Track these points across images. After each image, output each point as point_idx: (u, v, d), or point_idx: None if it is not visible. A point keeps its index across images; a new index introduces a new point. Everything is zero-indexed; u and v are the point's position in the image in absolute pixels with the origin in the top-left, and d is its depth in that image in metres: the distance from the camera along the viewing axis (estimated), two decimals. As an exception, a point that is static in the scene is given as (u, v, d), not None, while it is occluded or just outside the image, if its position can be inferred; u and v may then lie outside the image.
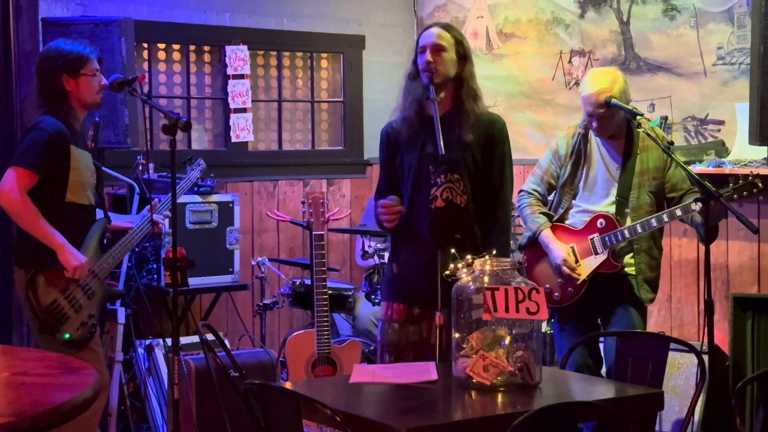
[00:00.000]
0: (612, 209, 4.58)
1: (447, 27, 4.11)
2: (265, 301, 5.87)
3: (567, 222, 4.69)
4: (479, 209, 4.07)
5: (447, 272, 3.53)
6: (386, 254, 5.57)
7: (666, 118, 5.91)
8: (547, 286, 4.62)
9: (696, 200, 4.12)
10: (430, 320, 4.01)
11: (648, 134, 4.41)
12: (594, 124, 4.54)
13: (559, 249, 4.58)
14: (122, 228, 4.65)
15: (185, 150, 6.46)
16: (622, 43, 6.25)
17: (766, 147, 5.12)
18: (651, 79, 6.06)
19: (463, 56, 4.08)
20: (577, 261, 4.56)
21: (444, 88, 4.02)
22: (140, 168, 5.69)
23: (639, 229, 4.45)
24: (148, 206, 4.67)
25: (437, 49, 4.01)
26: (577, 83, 6.50)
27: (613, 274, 4.56)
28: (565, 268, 4.55)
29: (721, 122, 5.77)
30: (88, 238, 4.42)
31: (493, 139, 4.10)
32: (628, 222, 4.51)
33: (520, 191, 4.81)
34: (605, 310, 4.63)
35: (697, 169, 5.34)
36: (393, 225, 4.00)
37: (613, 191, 4.60)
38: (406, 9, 7.49)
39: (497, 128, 4.14)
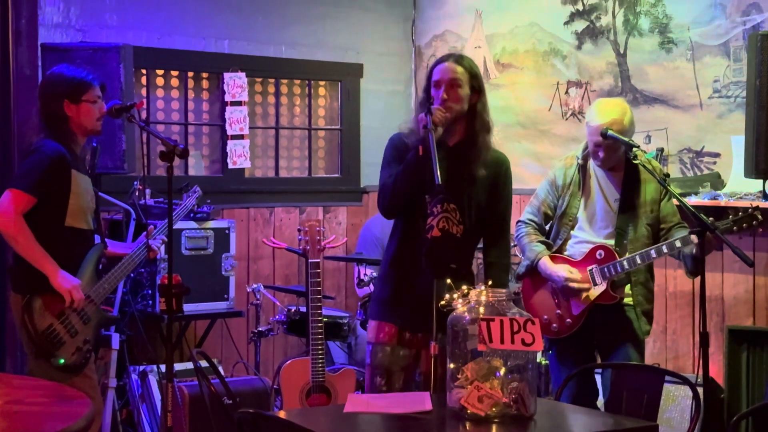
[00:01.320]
0: (611, 241, 4.58)
1: (460, 60, 4.06)
2: (260, 328, 5.86)
3: (565, 253, 4.68)
4: (475, 242, 4.08)
5: (442, 302, 3.53)
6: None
7: (662, 150, 5.93)
8: (546, 317, 4.61)
9: (692, 232, 4.13)
10: (420, 346, 4.00)
11: (644, 166, 4.43)
12: (601, 155, 4.53)
13: (560, 269, 4.57)
14: (119, 254, 4.64)
15: (182, 176, 6.47)
16: (619, 74, 6.28)
17: (761, 180, 5.13)
18: (647, 111, 6.08)
19: (477, 89, 4.07)
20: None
21: (458, 120, 4.02)
22: (137, 193, 5.70)
23: (638, 261, 4.45)
24: (145, 232, 4.67)
25: (452, 85, 3.99)
26: (573, 114, 6.53)
27: (611, 306, 4.55)
28: (572, 284, 4.52)
29: (717, 155, 5.79)
30: (85, 263, 4.41)
31: (499, 179, 4.12)
32: (627, 254, 4.51)
33: (518, 221, 4.81)
34: (603, 343, 4.61)
35: (692, 201, 5.35)
36: (442, 122, 3.90)
37: (612, 223, 4.60)
38: (403, 38, 7.53)
39: (505, 168, 4.16)
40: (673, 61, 6.00)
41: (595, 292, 4.52)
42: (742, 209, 4.30)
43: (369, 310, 4.35)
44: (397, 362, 4.07)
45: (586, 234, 4.65)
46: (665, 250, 4.42)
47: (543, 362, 5.44)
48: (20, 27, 5.73)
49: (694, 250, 4.29)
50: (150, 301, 5.64)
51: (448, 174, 3.84)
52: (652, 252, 4.43)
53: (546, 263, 4.62)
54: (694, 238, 4.23)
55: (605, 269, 4.50)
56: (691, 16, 5.90)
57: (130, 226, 5.62)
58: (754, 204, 4.41)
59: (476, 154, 4.02)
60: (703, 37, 5.85)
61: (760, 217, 4.25)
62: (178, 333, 5.84)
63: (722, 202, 5.31)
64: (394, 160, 4.06)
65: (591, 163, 4.67)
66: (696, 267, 4.13)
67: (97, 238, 4.55)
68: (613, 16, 6.29)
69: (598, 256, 4.55)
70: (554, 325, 4.61)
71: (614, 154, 4.53)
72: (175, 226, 4.91)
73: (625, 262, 4.46)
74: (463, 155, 3.99)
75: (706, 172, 5.80)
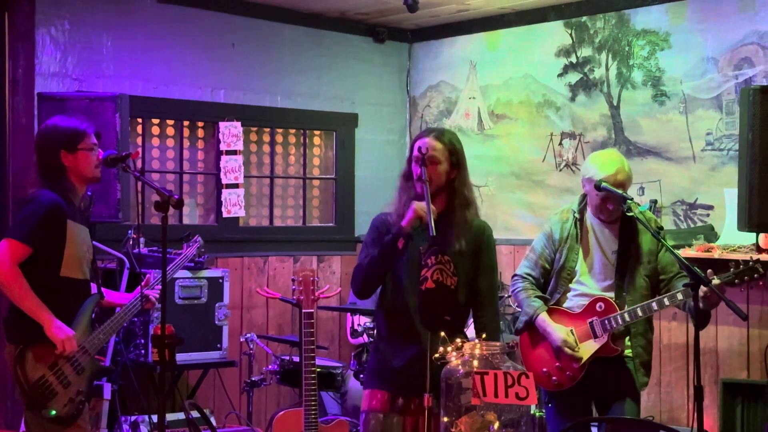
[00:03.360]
0: (610, 293, 4.57)
1: (440, 136, 4.09)
2: (253, 378, 5.84)
3: (564, 305, 4.66)
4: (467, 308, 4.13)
5: (436, 355, 3.52)
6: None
7: (655, 201, 5.96)
8: (545, 370, 4.59)
9: (685, 285, 4.13)
10: (415, 412, 3.99)
11: (638, 218, 4.44)
12: (610, 207, 4.51)
13: (558, 331, 4.55)
14: (115, 304, 4.63)
15: (177, 225, 6.48)
16: (612, 126, 6.33)
17: (754, 233, 5.14)
18: (640, 163, 6.12)
19: (456, 164, 4.10)
20: (576, 344, 4.54)
21: (438, 193, 4.05)
22: (131, 242, 5.70)
23: (639, 313, 4.43)
24: (143, 282, 4.66)
25: (431, 162, 4.04)
26: (567, 165, 6.56)
27: (611, 358, 4.53)
28: (566, 350, 4.51)
29: (710, 207, 5.82)
30: (80, 313, 4.41)
31: (482, 248, 4.14)
32: (626, 306, 4.50)
33: (514, 275, 4.80)
34: (602, 396, 4.59)
35: (686, 253, 5.37)
36: (408, 229, 3.93)
37: (611, 275, 4.59)
38: (398, 88, 7.59)
39: (486, 236, 4.18)
40: (666, 113, 6.05)
41: (594, 345, 4.50)
42: (743, 262, 4.30)
43: (363, 381, 4.35)
44: (390, 429, 4.04)
45: (585, 287, 4.64)
46: (667, 302, 4.40)
47: (537, 414, 5.41)
48: (17, 76, 5.77)
49: (701, 303, 4.26)
50: (143, 351, 5.62)
51: (430, 247, 3.89)
52: (654, 304, 4.41)
53: (545, 320, 4.60)
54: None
55: (606, 321, 4.49)
56: (683, 70, 5.96)
57: (123, 275, 5.61)
58: (755, 257, 4.41)
59: (456, 232, 4.04)
60: (695, 91, 5.91)
61: (761, 270, 4.25)
62: (170, 383, 5.81)
63: (716, 254, 5.32)
64: (374, 243, 4.09)
65: (587, 216, 4.68)
66: (701, 320, 4.11)
67: (94, 288, 4.54)
68: (607, 69, 6.36)
69: (598, 309, 4.54)
70: (554, 378, 4.58)
71: (620, 206, 4.53)
72: (169, 276, 4.91)
73: (626, 315, 4.45)
74: (443, 231, 3.99)
75: (699, 224, 5.82)
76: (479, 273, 4.13)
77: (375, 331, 4.29)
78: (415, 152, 4.03)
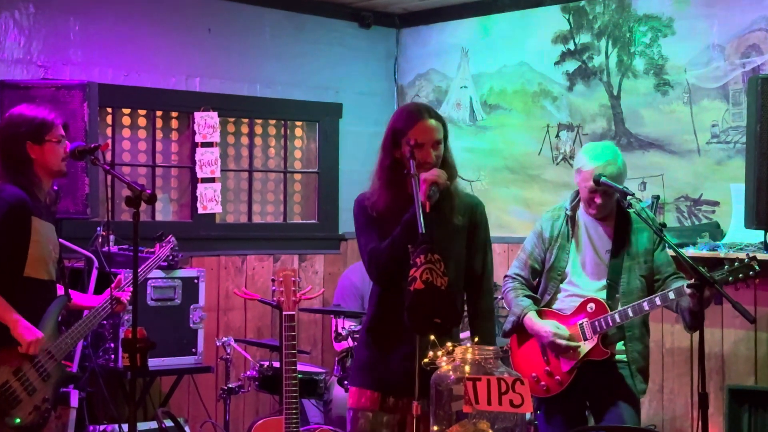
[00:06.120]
0: (603, 294, 4.59)
1: (437, 116, 4.09)
2: (230, 385, 5.82)
3: (554, 307, 4.69)
4: (460, 297, 4.10)
5: (426, 360, 3.52)
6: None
7: (658, 197, 5.97)
8: (534, 374, 4.61)
9: (689, 286, 4.14)
10: (405, 411, 3.99)
11: (639, 216, 4.45)
12: (597, 201, 4.54)
13: (546, 324, 4.57)
14: (83, 306, 4.62)
15: (149, 221, 6.47)
16: (612, 117, 6.34)
17: (762, 231, 5.16)
18: (642, 157, 6.14)
19: (446, 136, 4.11)
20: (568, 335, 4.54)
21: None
22: (100, 240, 5.68)
23: (630, 314, 4.45)
24: (114, 283, 4.64)
25: (438, 144, 4.03)
26: (564, 158, 6.58)
27: (603, 362, 4.55)
28: (559, 341, 4.52)
29: (716, 203, 5.84)
30: (47, 315, 4.38)
31: (476, 224, 4.14)
32: (619, 307, 4.52)
33: (505, 276, 4.83)
34: (596, 403, 4.61)
35: (690, 252, 5.38)
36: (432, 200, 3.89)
37: (604, 275, 4.61)
38: (385, 77, 7.58)
39: (479, 212, 4.17)
40: (669, 104, 6.06)
41: (585, 347, 4.53)
42: (738, 260, 4.31)
43: (350, 377, 4.34)
44: (380, 429, 4.05)
45: (577, 287, 4.67)
46: (658, 302, 4.42)
47: (533, 422, 5.42)
48: (-22, 63, 5.75)
49: (690, 303, 4.29)
50: (112, 356, 5.60)
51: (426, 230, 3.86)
52: (645, 304, 4.43)
53: (532, 318, 4.62)
54: (688, 289, 4.22)
55: (596, 323, 4.51)
56: (687, 58, 5.98)
57: (92, 275, 5.59)
58: (752, 255, 4.42)
59: (452, 205, 4.04)
60: (700, 80, 5.92)
61: (757, 267, 4.26)
62: (141, 390, 5.81)
63: (721, 253, 5.33)
64: (369, 224, 4.09)
65: (579, 213, 4.70)
66: (694, 321, 4.13)
67: (60, 289, 4.52)
68: (607, 57, 6.37)
69: (588, 310, 4.57)
70: (543, 383, 4.61)
71: (610, 201, 4.56)
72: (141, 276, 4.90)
73: (616, 316, 4.47)
74: (438, 207, 3.99)
75: (704, 221, 5.84)
76: (474, 253, 4.12)
77: (364, 322, 4.26)
78: (419, 137, 3.97)
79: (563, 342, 4.52)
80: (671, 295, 4.38)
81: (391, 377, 4.04)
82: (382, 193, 4.08)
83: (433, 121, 4.05)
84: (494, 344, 3.98)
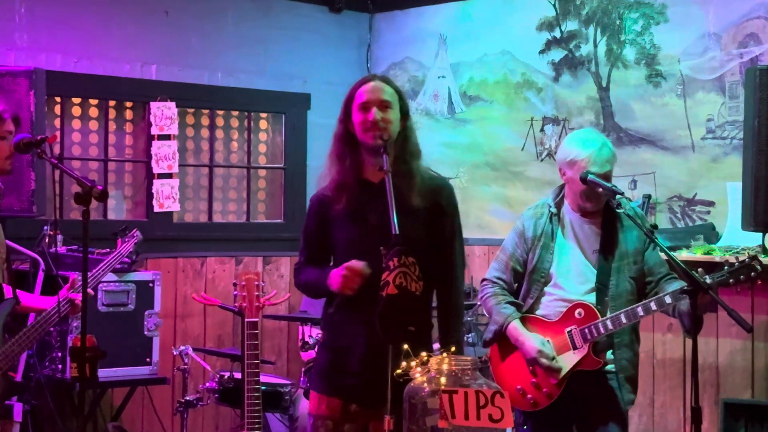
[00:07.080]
0: (590, 298, 4.58)
1: (387, 80, 4.15)
2: (188, 398, 5.81)
3: (538, 312, 4.66)
4: (430, 297, 4.11)
5: (399, 371, 3.51)
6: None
7: (649, 197, 5.99)
8: (519, 387, 4.60)
9: (683, 292, 4.14)
10: (368, 419, 3.99)
11: (629, 215, 4.45)
12: (599, 190, 4.50)
13: (532, 339, 4.56)
14: (31, 309, 4.57)
15: (100, 220, 6.44)
16: (601, 111, 6.36)
17: (761, 233, 5.18)
18: (633, 153, 6.15)
19: (405, 112, 4.13)
20: (553, 354, 4.53)
21: (386, 148, 4.05)
22: (47, 240, 5.65)
23: (624, 320, 4.43)
24: (68, 284, 4.60)
25: (385, 106, 4.04)
26: (549, 154, 6.59)
27: (592, 373, 4.53)
28: (543, 360, 4.50)
29: (711, 203, 5.86)
30: (-8, 320, 4.35)
31: (441, 209, 4.12)
32: (609, 312, 4.51)
33: (483, 280, 4.79)
34: (583, 416, 4.60)
35: (683, 256, 5.39)
36: (353, 293, 3.98)
37: (591, 277, 4.60)
38: (357, 66, 7.58)
39: (446, 196, 4.16)
40: (661, 96, 6.08)
41: (574, 358, 4.52)
42: (738, 260, 4.30)
43: (311, 380, 4.34)
44: None
45: (562, 291, 4.65)
46: (654, 307, 4.40)
47: (514, 438, 5.43)
48: None
49: (690, 306, 4.27)
50: (59, 366, 5.58)
51: (379, 213, 3.85)
52: (639, 310, 4.42)
53: (517, 328, 4.60)
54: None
55: (586, 330, 4.50)
56: (681, 47, 6.00)
57: (38, 277, 5.56)
58: (752, 254, 4.43)
59: (411, 183, 4.04)
60: (695, 71, 5.95)
61: (759, 267, 4.25)
62: (91, 403, 5.76)
63: (717, 257, 5.35)
64: (314, 234, 4.23)
65: (565, 210, 4.68)
66: (694, 326, 4.13)
67: (8, 291, 4.48)
68: (595, 45, 6.39)
69: (577, 316, 4.55)
70: (530, 396, 4.59)
71: (602, 196, 4.53)
72: (102, 279, 4.89)
73: (608, 322, 4.45)
74: (395, 188, 3.96)
75: (698, 222, 5.86)
76: (441, 241, 4.11)
77: (323, 323, 4.26)
78: (363, 98, 4.04)
79: (546, 362, 4.50)
80: (667, 300, 4.37)
81: (354, 384, 4.04)
82: (332, 164, 4.11)
83: (379, 82, 4.10)
84: (462, 343, 3.99)
